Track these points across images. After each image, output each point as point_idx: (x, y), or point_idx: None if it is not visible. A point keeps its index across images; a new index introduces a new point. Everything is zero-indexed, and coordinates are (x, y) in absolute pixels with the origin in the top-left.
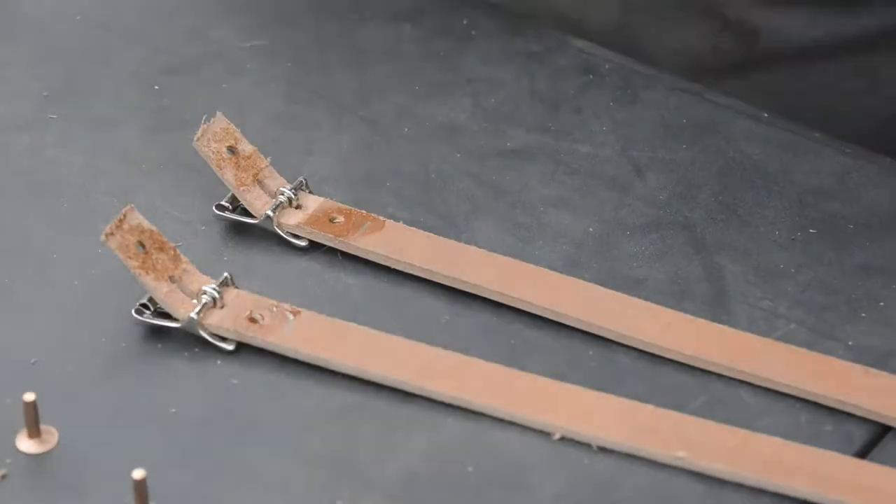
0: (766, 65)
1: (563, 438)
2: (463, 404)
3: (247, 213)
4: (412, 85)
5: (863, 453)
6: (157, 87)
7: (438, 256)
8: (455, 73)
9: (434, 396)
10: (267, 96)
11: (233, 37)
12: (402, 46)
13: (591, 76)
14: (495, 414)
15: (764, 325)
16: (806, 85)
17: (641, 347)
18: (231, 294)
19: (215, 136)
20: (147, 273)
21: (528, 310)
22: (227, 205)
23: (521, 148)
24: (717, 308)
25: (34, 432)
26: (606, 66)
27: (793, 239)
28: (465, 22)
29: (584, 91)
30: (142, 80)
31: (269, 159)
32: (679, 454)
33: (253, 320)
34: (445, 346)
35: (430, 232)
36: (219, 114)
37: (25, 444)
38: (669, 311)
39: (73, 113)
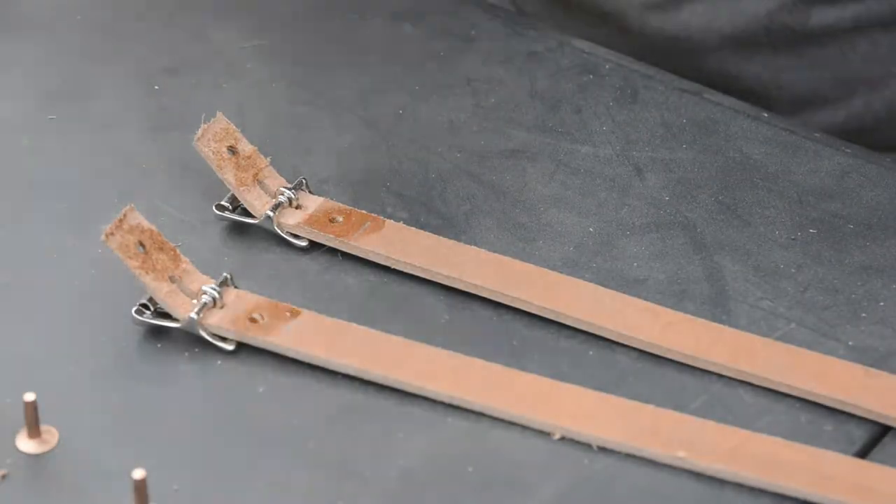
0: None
1: (563, 438)
2: (463, 404)
3: (247, 213)
4: (412, 85)
5: (863, 453)
6: (157, 87)
7: (438, 256)
8: (455, 73)
9: (434, 396)
10: (267, 96)
11: (233, 37)
12: (402, 46)
13: (591, 76)
14: (495, 414)
15: (764, 325)
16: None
17: (641, 347)
18: (231, 294)
19: (215, 136)
20: (147, 273)
21: (528, 310)
22: (227, 205)
23: (521, 148)
24: (717, 308)
25: (34, 432)
26: (606, 67)
27: (793, 239)
28: (464, 22)
29: (584, 91)
30: (142, 80)
31: (269, 159)
32: (679, 454)
33: (253, 320)
34: (445, 346)
35: (430, 232)
36: (219, 114)
37: (25, 444)
38: (669, 311)
39: (73, 113)
